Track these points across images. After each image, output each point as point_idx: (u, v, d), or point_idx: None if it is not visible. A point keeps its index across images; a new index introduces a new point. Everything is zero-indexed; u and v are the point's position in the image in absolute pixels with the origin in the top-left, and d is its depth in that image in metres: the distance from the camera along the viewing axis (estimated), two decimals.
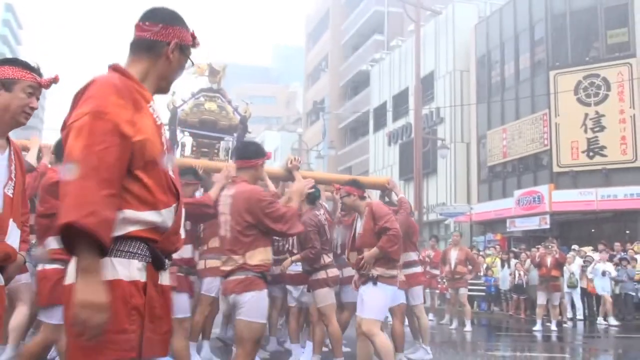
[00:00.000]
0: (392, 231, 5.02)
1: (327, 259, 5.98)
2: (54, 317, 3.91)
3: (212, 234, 5.74)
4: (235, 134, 8.46)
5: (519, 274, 15.22)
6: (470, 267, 11.85)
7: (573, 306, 14.31)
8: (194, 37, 2.17)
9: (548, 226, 20.32)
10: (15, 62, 2.56)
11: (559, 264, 12.27)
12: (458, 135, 26.04)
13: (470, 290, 13.07)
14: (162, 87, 2.13)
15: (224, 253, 4.08)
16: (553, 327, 11.97)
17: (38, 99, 2.60)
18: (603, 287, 13.69)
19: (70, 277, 1.85)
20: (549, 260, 12.12)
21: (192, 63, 2.21)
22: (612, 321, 13.21)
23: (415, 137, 20.15)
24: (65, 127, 1.86)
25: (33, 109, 2.56)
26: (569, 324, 12.98)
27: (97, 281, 1.73)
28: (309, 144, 39.60)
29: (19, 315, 4.97)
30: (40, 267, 4.07)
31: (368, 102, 35.24)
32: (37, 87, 2.56)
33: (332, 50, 42.41)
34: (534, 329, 11.85)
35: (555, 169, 20.60)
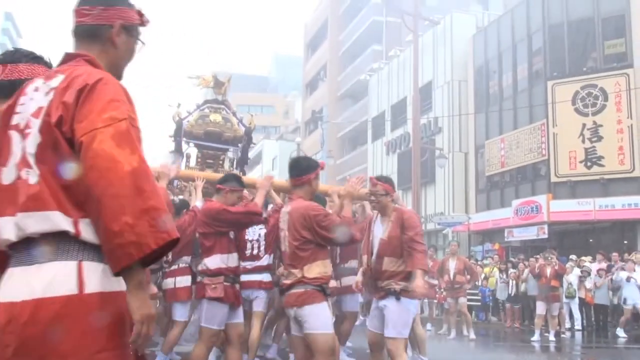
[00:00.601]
0: (423, 246, 4.69)
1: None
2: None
3: None
4: (240, 145, 8.54)
5: (512, 284, 15.21)
6: (468, 276, 11.90)
7: (571, 317, 14.28)
8: (140, 14, 2.00)
9: (546, 236, 20.31)
10: (43, 60, 2.39)
11: (559, 275, 12.32)
12: (456, 144, 26.07)
13: (468, 300, 13.08)
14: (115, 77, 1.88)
15: (285, 268, 4.24)
16: (551, 337, 11.95)
17: None
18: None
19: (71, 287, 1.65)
20: (548, 271, 12.21)
21: (143, 43, 2.03)
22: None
23: (413, 146, 20.18)
24: (79, 130, 1.66)
25: None
26: (567, 334, 12.94)
27: (147, 294, 1.73)
28: (307, 153, 39.56)
29: None
30: None
31: (366, 112, 35.30)
32: None
33: (331, 59, 42.53)
34: (533, 339, 11.82)
35: (553, 178, 20.62)
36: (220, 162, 8.50)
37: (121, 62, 1.99)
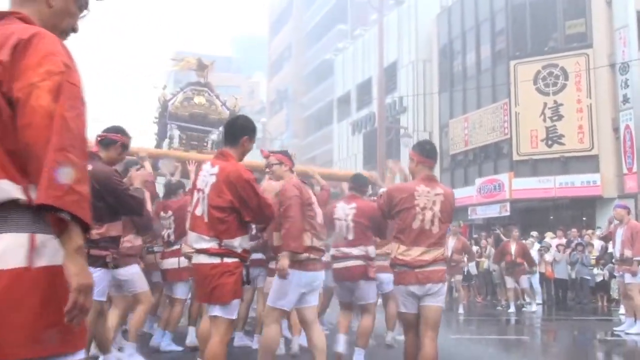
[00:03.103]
0: (289, 224, 4.45)
1: None
2: (233, 312, 3.80)
3: None
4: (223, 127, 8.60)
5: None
6: (466, 256, 12.90)
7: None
8: None
9: (508, 213, 20.71)
10: None
11: (523, 251, 12.84)
12: (421, 124, 26.28)
13: None
14: None
15: (428, 245, 4.26)
16: (533, 308, 12.89)
17: None
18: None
19: (28, 259, 1.57)
20: (513, 248, 12.70)
21: (86, 6, 1.90)
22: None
23: (378, 126, 20.27)
24: (16, 88, 1.56)
25: None
26: (528, 307, 13.27)
27: (85, 263, 1.60)
28: (272, 133, 39.47)
29: None
30: (211, 260, 3.75)
31: (332, 92, 35.29)
32: None
33: (296, 39, 42.29)
34: (510, 311, 12.66)
35: (515, 157, 20.97)
36: (205, 144, 8.55)
37: (57, 23, 1.83)
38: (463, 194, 22.90)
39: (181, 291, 6.35)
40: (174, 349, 6.27)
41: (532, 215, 21.38)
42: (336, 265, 5.49)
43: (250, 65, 66.00)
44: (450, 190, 4.54)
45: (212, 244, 3.72)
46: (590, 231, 15.93)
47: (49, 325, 1.56)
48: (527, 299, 13.41)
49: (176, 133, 8.46)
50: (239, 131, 3.97)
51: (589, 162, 19.52)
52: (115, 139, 4.55)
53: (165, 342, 6.26)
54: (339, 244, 5.48)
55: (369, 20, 30.60)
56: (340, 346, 5.33)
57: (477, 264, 15.70)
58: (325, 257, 6.60)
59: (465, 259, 13.31)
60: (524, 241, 13.86)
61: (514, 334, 10.38)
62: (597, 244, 14.50)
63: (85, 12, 1.93)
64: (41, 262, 1.58)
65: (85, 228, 1.58)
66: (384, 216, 4.70)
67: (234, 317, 3.82)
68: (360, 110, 31.11)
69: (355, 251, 5.37)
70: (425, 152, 4.51)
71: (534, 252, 14.37)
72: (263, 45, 53.21)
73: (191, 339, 6.41)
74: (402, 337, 6.49)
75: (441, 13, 26.10)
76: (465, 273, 14.73)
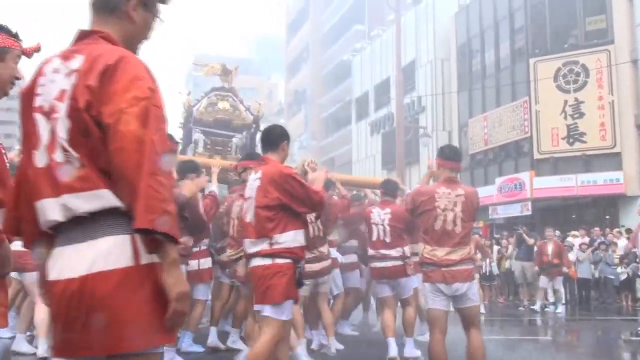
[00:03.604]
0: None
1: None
2: (284, 313, 3.87)
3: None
4: (247, 132, 8.69)
5: (486, 263, 15.30)
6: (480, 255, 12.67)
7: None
8: None
9: (530, 212, 20.52)
10: (2, 29, 2.35)
11: (559, 251, 12.73)
12: (440, 123, 26.15)
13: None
14: None
15: (452, 245, 4.44)
16: (558, 309, 12.61)
17: None
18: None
19: (105, 263, 1.68)
20: (549, 248, 12.60)
21: (162, 20, 1.99)
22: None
23: (397, 126, 20.19)
24: (105, 113, 1.67)
25: (18, 79, 2.39)
26: (551, 307, 13.14)
27: (181, 272, 1.73)
28: (291, 135, 39.53)
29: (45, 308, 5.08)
30: (263, 262, 3.88)
31: (350, 92, 35.25)
32: (21, 56, 2.39)
33: (313, 40, 42.34)
34: (534, 308, 12.75)
35: (536, 155, 20.78)
36: (229, 148, 8.63)
37: (137, 38, 1.94)
38: (483, 194, 22.65)
39: (202, 292, 6.45)
40: (195, 349, 6.32)
41: (554, 215, 21.16)
42: (376, 265, 6.15)
43: (268, 67, 66.23)
44: (472, 190, 4.77)
45: (262, 246, 3.88)
46: (616, 230, 15.73)
47: (157, 318, 1.68)
48: (552, 300, 13.26)
49: (200, 138, 8.54)
50: (279, 137, 4.26)
51: (612, 160, 19.27)
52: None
53: (186, 343, 6.31)
54: (377, 246, 6.10)
55: (386, 20, 30.52)
56: (392, 350, 5.79)
57: (499, 264, 15.56)
58: (342, 258, 6.84)
59: (479, 258, 13.05)
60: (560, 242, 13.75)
61: (536, 335, 10.29)
62: (621, 242, 14.32)
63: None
64: (145, 259, 1.70)
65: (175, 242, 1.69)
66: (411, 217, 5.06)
67: (285, 318, 3.90)
68: (378, 110, 31.03)
69: (393, 252, 6.03)
70: (444, 155, 4.74)
71: None
72: (281, 46, 53.36)
73: (212, 339, 6.48)
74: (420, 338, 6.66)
75: (459, 12, 25.95)
76: (488, 273, 14.61)
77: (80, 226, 1.72)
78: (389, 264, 6.00)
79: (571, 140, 20.11)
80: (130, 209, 1.64)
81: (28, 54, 2.41)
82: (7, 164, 2.30)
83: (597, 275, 14.34)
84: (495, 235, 18.70)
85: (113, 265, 1.67)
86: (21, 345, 6.09)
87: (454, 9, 26.27)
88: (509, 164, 22.39)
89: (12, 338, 6.61)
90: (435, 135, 25.05)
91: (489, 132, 23.17)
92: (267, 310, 3.83)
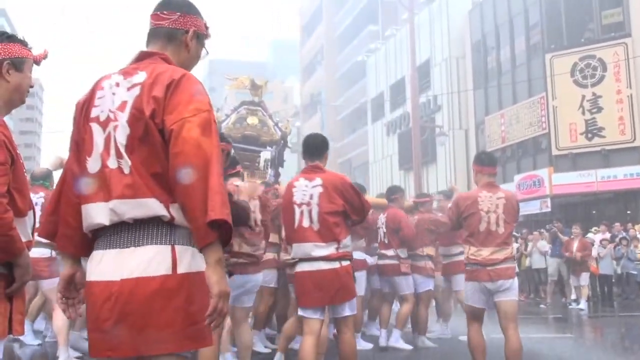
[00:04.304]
0: None
1: None
2: (355, 308, 4.31)
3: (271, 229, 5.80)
4: (275, 147, 8.74)
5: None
6: None
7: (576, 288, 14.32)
8: (207, 27, 2.24)
9: (549, 209, 20.34)
10: (17, 39, 2.39)
11: (585, 248, 12.66)
12: (456, 122, 26.03)
13: None
14: None
15: (496, 245, 4.71)
16: (582, 305, 12.42)
17: None
18: None
19: (160, 268, 1.85)
20: (575, 245, 12.56)
21: (207, 52, 2.26)
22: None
23: (413, 126, 20.14)
24: (169, 120, 1.85)
25: (31, 87, 2.45)
26: (573, 305, 12.99)
27: (224, 272, 1.85)
28: None
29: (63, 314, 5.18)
30: (331, 265, 4.14)
31: (365, 93, 35.22)
32: (33, 65, 2.44)
33: (327, 42, 42.36)
34: (580, 307, 12.44)
35: (554, 151, 20.60)
36: (257, 164, 8.68)
37: (189, 64, 2.19)
38: None
39: None
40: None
41: (574, 211, 20.96)
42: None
43: (283, 70, 66.41)
44: (511, 193, 5.11)
45: (330, 250, 4.14)
46: (638, 225, 15.52)
47: (190, 324, 1.84)
48: (574, 297, 13.12)
49: None
50: (323, 147, 4.54)
51: (632, 154, 19.04)
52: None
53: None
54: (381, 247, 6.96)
55: (400, 20, 30.47)
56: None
57: (519, 262, 15.41)
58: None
59: None
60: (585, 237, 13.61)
61: (559, 332, 10.18)
62: None
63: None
64: (182, 269, 1.86)
65: (226, 242, 1.84)
66: (452, 226, 5.31)
67: (356, 312, 4.40)
68: (394, 110, 30.97)
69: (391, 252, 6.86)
70: (480, 161, 5.04)
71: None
72: (295, 49, 53.44)
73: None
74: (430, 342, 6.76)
75: (473, 9, 25.82)
76: None
77: (124, 232, 1.88)
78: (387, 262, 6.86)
79: (590, 135, 19.91)
80: (186, 209, 1.80)
81: (38, 61, 2.45)
82: (26, 174, 2.35)
83: (619, 271, 14.16)
84: (515, 234, 18.52)
85: (153, 272, 1.82)
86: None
87: (467, 6, 26.15)
88: (527, 161, 22.21)
89: (40, 345, 6.79)
90: (451, 134, 24.94)
91: (506, 129, 23.02)
92: (347, 310, 4.20)
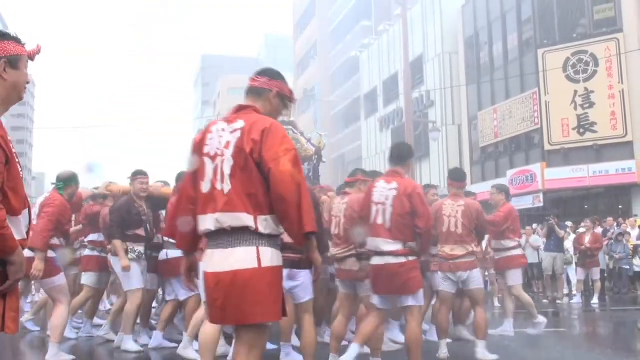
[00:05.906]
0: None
1: None
2: (421, 299, 4.78)
3: None
4: (309, 163, 8.67)
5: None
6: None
7: (569, 282, 14.41)
8: (291, 92, 3.06)
9: (542, 204, 20.44)
10: (11, 36, 2.38)
11: (597, 241, 12.69)
12: (449, 117, 26.09)
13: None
14: None
15: (456, 243, 5.75)
16: (595, 300, 12.48)
17: None
18: None
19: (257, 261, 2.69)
20: (587, 239, 12.60)
21: (290, 113, 3.14)
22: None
23: (406, 121, 20.17)
24: (267, 157, 2.66)
25: (27, 83, 2.44)
26: (566, 299, 13.08)
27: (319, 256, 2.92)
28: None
29: (61, 313, 5.51)
30: (398, 260, 4.60)
31: (358, 89, 35.23)
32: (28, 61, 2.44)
33: (321, 38, 42.31)
34: (592, 301, 12.49)
35: (547, 147, 20.69)
36: None
37: (274, 115, 2.98)
38: None
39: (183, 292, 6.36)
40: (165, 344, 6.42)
41: (567, 206, 21.08)
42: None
43: (277, 66, 66.38)
44: (472, 202, 6.07)
45: (397, 246, 4.62)
46: (631, 219, 15.61)
47: (271, 302, 2.66)
48: (566, 292, 13.20)
49: None
50: (408, 154, 5.07)
51: (624, 149, 19.15)
52: None
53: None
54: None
55: (393, 15, 30.46)
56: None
57: None
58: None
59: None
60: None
61: (552, 327, 10.24)
62: (635, 232, 14.22)
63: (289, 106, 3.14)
64: (265, 264, 2.67)
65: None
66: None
67: (422, 303, 4.83)
68: (387, 106, 31.01)
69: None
70: (451, 176, 6.14)
71: (569, 243, 14.14)
72: (289, 45, 53.37)
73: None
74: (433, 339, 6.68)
75: (466, 4, 25.85)
76: None
77: (224, 237, 2.69)
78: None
79: (582, 130, 20.00)
80: (285, 222, 2.69)
81: (32, 57, 2.43)
82: (21, 172, 2.34)
83: (611, 266, 14.25)
84: None
85: (246, 266, 2.64)
86: (127, 344, 6.25)
87: (460, 1, 26.17)
88: (519, 156, 22.30)
89: (77, 339, 7.15)
90: (444, 129, 25.00)
91: (499, 124, 23.09)
92: (410, 300, 4.62)
